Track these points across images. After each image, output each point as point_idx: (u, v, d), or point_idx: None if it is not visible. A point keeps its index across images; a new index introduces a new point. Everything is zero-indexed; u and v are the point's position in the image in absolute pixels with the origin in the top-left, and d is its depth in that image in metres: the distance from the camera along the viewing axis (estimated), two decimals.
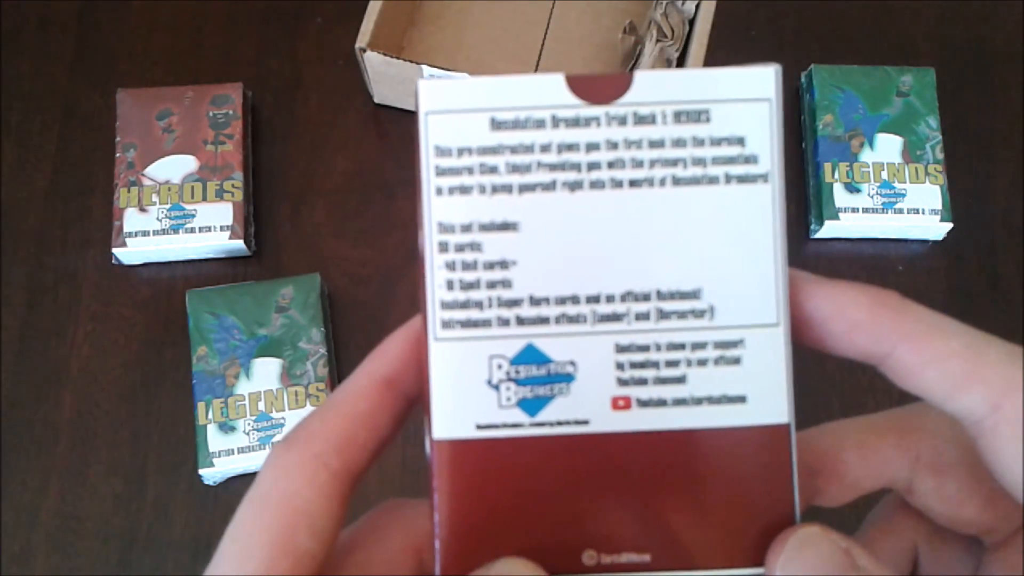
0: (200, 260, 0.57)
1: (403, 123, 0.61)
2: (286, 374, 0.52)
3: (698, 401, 0.19)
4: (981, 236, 0.59)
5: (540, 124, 0.19)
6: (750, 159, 0.19)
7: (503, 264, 0.19)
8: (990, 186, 0.60)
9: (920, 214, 0.56)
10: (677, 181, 0.19)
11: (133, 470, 0.53)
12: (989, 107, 0.62)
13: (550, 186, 0.19)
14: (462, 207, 0.19)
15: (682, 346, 0.19)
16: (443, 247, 0.19)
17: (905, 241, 0.59)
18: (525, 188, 0.19)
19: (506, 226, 0.19)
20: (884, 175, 0.57)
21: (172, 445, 0.53)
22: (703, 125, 0.19)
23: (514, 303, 0.19)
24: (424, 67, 0.54)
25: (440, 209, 0.19)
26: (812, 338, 0.20)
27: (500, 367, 0.19)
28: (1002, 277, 0.58)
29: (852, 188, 0.57)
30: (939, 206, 0.56)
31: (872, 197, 0.57)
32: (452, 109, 0.19)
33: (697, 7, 0.58)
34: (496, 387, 0.19)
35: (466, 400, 0.19)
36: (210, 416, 0.51)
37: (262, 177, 0.59)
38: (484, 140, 0.19)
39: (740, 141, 0.19)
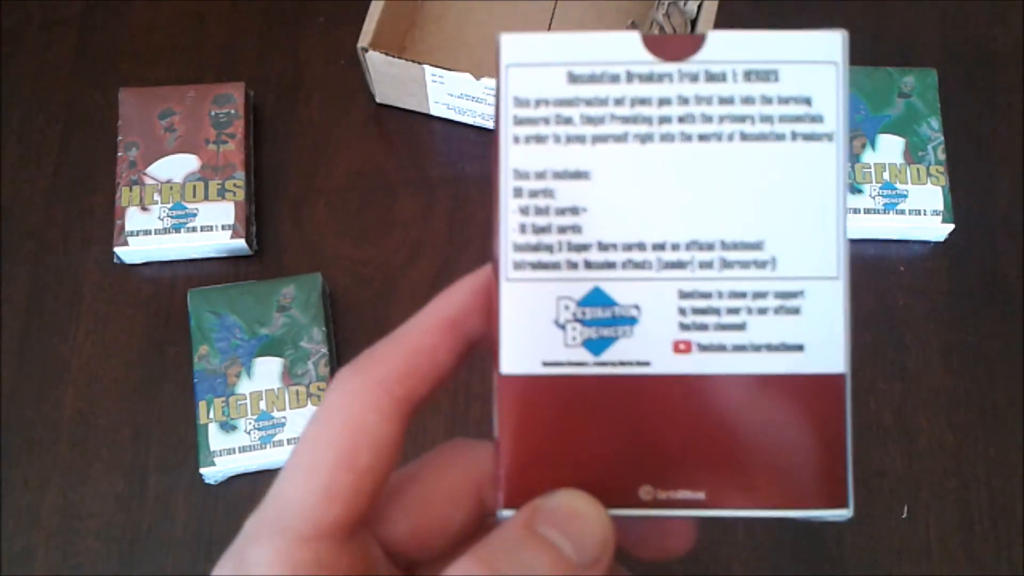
0: (201, 259, 0.57)
1: (405, 123, 0.61)
2: (287, 373, 0.52)
3: (757, 348, 0.20)
4: (983, 237, 0.59)
5: (615, 79, 0.20)
6: (816, 118, 0.20)
7: (574, 210, 0.20)
8: (992, 187, 0.60)
9: (922, 215, 0.56)
10: (745, 137, 0.20)
11: (134, 469, 0.53)
12: (991, 108, 0.62)
13: (622, 138, 0.20)
14: (537, 155, 0.20)
15: (743, 294, 0.20)
16: (517, 192, 0.20)
17: (907, 242, 0.58)
18: (598, 139, 0.20)
19: (578, 175, 0.20)
20: (886, 176, 0.57)
21: (173, 444, 0.54)
22: (772, 84, 0.20)
23: (583, 248, 0.20)
24: (427, 67, 0.54)
25: (516, 157, 0.20)
26: None
27: (567, 308, 0.20)
28: (1004, 278, 0.58)
29: (854, 189, 0.57)
30: (941, 207, 0.56)
31: (874, 198, 0.57)
32: (531, 63, 0.20)
33: (699, 7, 0.58)
34: (563, 327, 0.20)
35: (533, 338, 0.20)
36: (211, 415, 0.51)
37: (264, 176, 0.59)
38: (561, 92, 0.20)
39: (807, 101, 0.20)
